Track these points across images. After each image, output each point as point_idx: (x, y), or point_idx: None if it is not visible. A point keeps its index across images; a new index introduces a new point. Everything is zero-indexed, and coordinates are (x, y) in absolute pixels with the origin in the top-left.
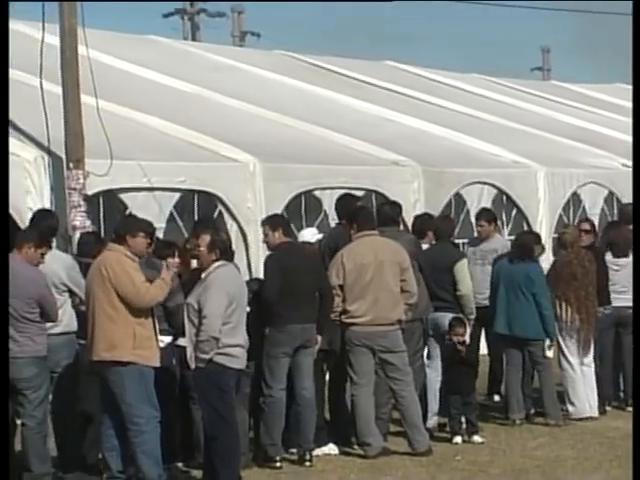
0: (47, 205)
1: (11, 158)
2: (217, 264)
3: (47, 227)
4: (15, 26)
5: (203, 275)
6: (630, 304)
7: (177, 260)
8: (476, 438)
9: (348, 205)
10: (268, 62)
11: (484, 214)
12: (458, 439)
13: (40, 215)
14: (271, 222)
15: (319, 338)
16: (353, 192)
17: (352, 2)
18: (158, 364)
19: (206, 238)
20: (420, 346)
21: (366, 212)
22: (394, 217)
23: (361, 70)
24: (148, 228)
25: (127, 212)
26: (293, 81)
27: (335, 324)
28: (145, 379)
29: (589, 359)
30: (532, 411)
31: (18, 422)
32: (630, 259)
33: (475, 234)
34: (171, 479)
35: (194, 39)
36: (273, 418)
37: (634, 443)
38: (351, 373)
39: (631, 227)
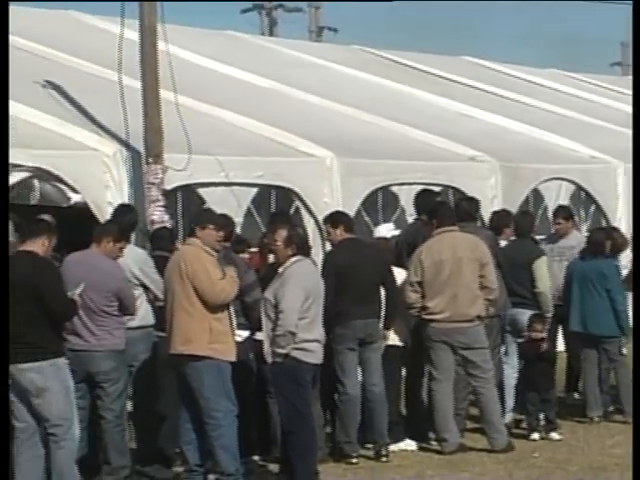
0: (126, 200)
1: (90, 152)
2: (294, 259)
3: (127, 222)
4: (95, 22)
5: (280, 270)
6: None
7: (246, 256)
8: (554, 435)
9: (427, 201)
10: (345, 57)
11: (561, 211)
12: (535, 436)
13: (120, 210)
14: (332, 219)
15: (387, 333)
16: (431, 188)
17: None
18: (234, 359)
19: (283, 233)
20: (498, 342)
21: (446, 208)
22: (472, 213)
23: (438, 65)
24: (218, 220)
25: (204, 206)
26: (370, 76)
27: (407, 320)
28: (222, 373)
29: None
30: (610, 408)
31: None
32: None
33: (552, 231)
34: (248, 473)
35: (271, 34)
36: (348, 415)
37: (634, 446)
38: (431, 369)
39: None
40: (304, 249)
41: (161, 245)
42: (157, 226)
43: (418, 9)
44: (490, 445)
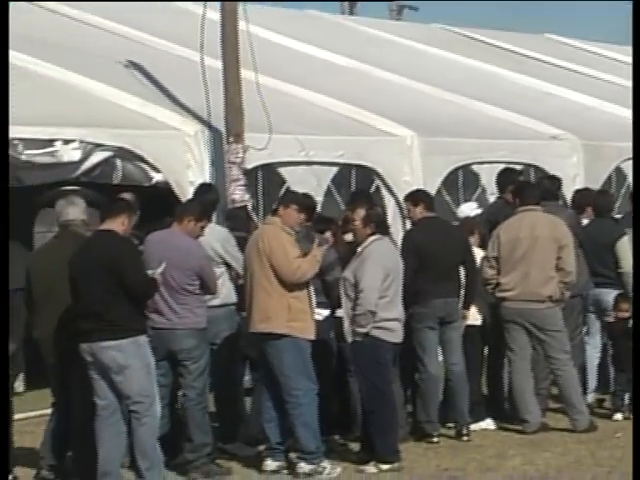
0: (207, 179)
1: (172, 132)
2: (372, 238)
3: (208, 201)
4: (176, 3)
5: (359, 249)
6: None
7: (329, 235)
8: None
9: (509, 179)
10: (425, 36)
11: None
12: (619, 416)
13: (201, 189)
14: (412, 198)
15: (467, 312)
16: (512, 166)
17: None
18: (313, 337)
19: (361, 212)
20: (579, 322)
21: (530, 187)
22: (554, 191)
23: (520, 43)
24: (302, 200)
25: (285, 186)
26: (451, 54)
27: (488, 299)
28: (302, 352)
29: None
30: None
31: (179, 393)
32: None
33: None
34: (329, 451)
35: (351, 13)
36: (429, 394)
37: (634, 443)
38: (507, 348)
39: None
40: (382, 228)
41: (236, 225)
42: (238, 205)
43: None
44: (572, 426)
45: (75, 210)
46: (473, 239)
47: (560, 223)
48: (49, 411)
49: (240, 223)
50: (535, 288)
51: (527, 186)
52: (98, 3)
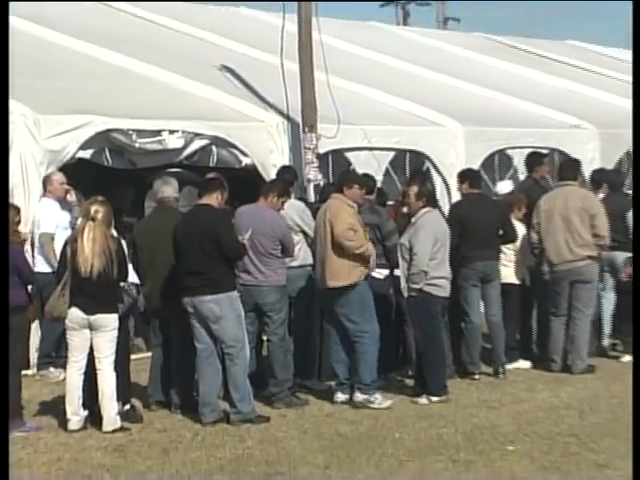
0: (286, 162)
1: (257, 124)
2: (424, 210)
3: (288, 180)
4: (260, 16)
5: (413, 220)
6: None
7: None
8: None
9: (537, 161)
10: (467, 43)
11: None
12: (627, 358)
13: (283, 170)
14: (461, 176)
15: (503, 272)
16: (539, 150)
17: None
18: (369, 273)
19: (414, 188)
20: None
21: (568, 165)
22: (575, 171)
23: (547, 48)
24: (361, 180)
25: (350, 168)
26: (489, 58)
27: (525, 260)
28: (365, 299)
29: None
30: None
31: (264, 338)
32: None
33: None
34: (388, 386)
35: (405, 24)
36: (472, 340)
37: (634, 445)
38: (551, 304)
39: None
40: (432, 202)
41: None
42: (313, 183)
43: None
44: (572, 368)
45: (169, 188)
46: (515, 215)
47: (591, 195)
48: (148, 355)
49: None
50: (574, 249)
51: (566, 164)
52: (196, 18)
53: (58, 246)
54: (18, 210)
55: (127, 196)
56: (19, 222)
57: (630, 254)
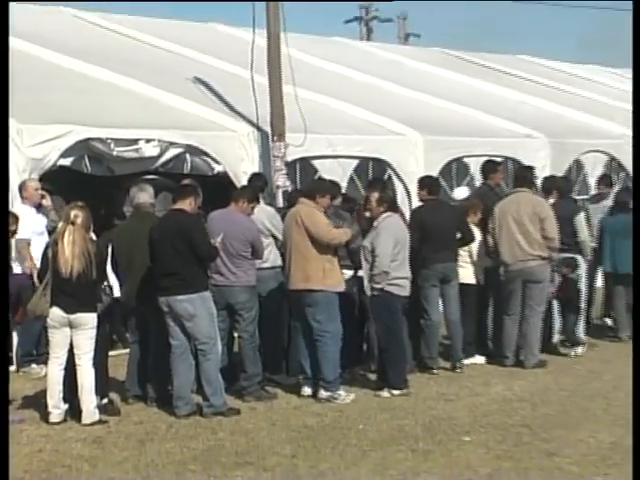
0: (256, 169)
1: (229, 133)
2: (385, 215)
3: (258, 186)
4: (231, 31)
5: (375, 223)
6: None
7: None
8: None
9: (492, 169)
10: (427, 57)
11: (604, 179)
12: (579, 350)
13: (253, 177)
14: (420, 182)
15: (461, 273)
16: (494, 159)
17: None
18: (342, 289)
19: (376, 194)
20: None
21: (522, 173)
22: (529, 179)
23: (501, 62)
24: (333, 191)
25: (317, 175)
26: (447, 72)
27: (481, 263)
28: (332, 303)
29: None
30: None
31: (235, 335)
32: None
33: (592, 192)
34: (352, 380)
35: (368, 40)
36: (431, 337)
37: (634, 445)
38: (504, 303)
39: None
40: (393, 207)
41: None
42: (281, 189)
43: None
44: (524, 362)
45: (145, 194)
46: (473, 218)
47: (541, 201)
48: (125, 351)
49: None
50: (526, 250)
51: (518, 173)
52: (173, 33)
53: (35, 250)
54: (16, 219)
55: (121, 201)
56: (15, 232)
57: (571, 256)
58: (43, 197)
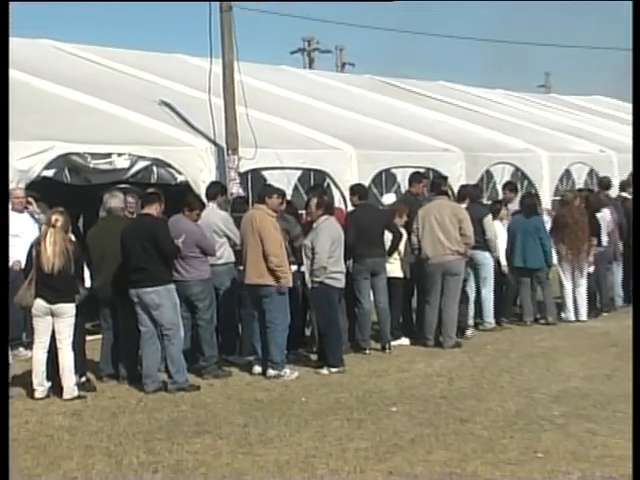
0: (214, 178)
1: (190, 148)
2: (323, 217)
3: (211, 193)
4: (193, 61)
5: (314, 225)
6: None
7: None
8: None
9: (417, 179)
10: (359, 83)
11: (509, 185)
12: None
13: (211, 185)
14: (351, 190)
15: (389, 268)
16: (418, 170)
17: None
18: (290, 285)
19: (315, 200)
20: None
21: (440, 183)
22: (443, 186)
23: (423, 87)
24: (279, 191)
25: (266, 183)
26: (377, 95)
27: (407, 258)
28: (282, 295)
29: (582, 281)
30: (537, 315)
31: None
32: (602, 213)
33: (500, 197)
34: (297, 360)
35: (310, 68)
36: (364, 322)
37: (634, 444)
38: (425, 292)
39: (607, 192)
40: (330, 210)
41: (238, 209)
42: (234, 196)
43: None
44: (443, 343)
45: (116, 200)
46: (399, 220)
47: (458, 206)
48: (100, 336)
49: (240, 207)
50: (446, 247)
51: (436, 183)
52: (140, 62)
53: (12, 250)
54: None
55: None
56: None
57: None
58: (29, 203)
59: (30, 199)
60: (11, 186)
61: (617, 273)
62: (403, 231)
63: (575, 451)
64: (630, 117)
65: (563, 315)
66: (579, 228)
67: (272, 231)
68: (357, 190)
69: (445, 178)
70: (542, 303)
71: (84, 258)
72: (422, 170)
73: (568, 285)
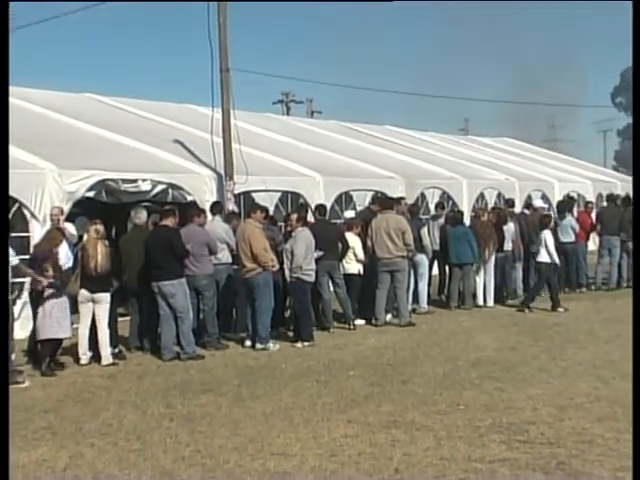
0: (215, 198)
1: (197, 175)
2: (300, 228)
3: (212, 209)
4: (199, 109)
5: (293, 234)
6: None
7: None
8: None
9: (372, 199)
10: (326, 126)
11: (440, 204)
12: (422, 309)
13: (214, 204)
14: (315, 209)
15: (343, 268)
16: (368, 192)
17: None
18: (276, 269)
19: (295, 215)
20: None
21: (387, 201)
22: (392, 204)
23: (374, 130)
24: (263, 208)
25: (254, 202)
26: (339, 136)
27: (362, 261)
28: (269, 283)
29: (488, 276)
30: (459, 302)
31: (201, 307)
32: (507, 226)
33: (433, 213)
34: (278, 336)
35: (288, 115)
36: (326, 309)
37: (634, 444)
38: (378, 283)
39: (511, 209)
40: (305, 223)
41: (231, 221)
42: (229, 212)
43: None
44: (398, 322)
45: (141, 216)
46: (354, 231)
47: (402, 219)
48: (128, 318)
49: (232, 220)
50: (393, 252)
51: (385, 201)
52: (149, 105)
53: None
54: (61, 232)
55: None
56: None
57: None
58: (59, 220)
59: (64, 225)
60: (62, 204)
61: (519, 271)
62: (357, 239)
63: (488, 404)
64: (529, 154)
65: (480, 301)
66: (486, 235)
67: (258, 237)
68: (317, 208)
69: (392, 199)
70: (461, 293)
71: (117, 259)
72: (371, 193)
73: (479, 279)
